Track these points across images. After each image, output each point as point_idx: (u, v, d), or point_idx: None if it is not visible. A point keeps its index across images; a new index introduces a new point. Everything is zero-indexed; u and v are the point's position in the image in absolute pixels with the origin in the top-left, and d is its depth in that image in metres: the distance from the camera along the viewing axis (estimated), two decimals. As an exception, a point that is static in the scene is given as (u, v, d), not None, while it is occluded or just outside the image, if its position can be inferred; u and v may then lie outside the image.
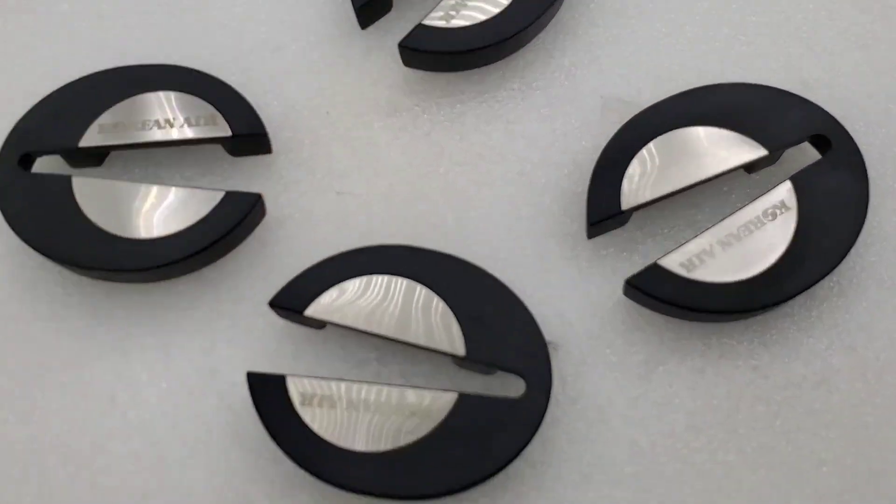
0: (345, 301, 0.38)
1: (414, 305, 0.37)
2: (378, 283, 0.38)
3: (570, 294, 0.40)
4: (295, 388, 0.36)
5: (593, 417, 0.38)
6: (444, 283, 0.38)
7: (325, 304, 0.38)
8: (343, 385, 0.36)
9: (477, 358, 0.37)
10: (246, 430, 0.38)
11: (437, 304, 0.37)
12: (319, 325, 0.39)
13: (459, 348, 0.37)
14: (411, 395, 0.36)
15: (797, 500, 0.37)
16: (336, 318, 0.37)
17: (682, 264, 0.38)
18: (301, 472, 0.37)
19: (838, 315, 0.39)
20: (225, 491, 0.37)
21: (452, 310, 0.37)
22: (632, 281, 0.38)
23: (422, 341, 0.37)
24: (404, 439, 0.35)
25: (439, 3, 0.43)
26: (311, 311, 0.38)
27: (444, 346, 0.37)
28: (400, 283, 0.38)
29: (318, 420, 0.36)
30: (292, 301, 0.38)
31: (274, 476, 0.37)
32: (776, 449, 0.37)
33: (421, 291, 0.38)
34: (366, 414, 0.36)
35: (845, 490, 0.37)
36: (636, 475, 0.37)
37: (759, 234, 0.38)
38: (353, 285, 0.38)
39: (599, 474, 0.37)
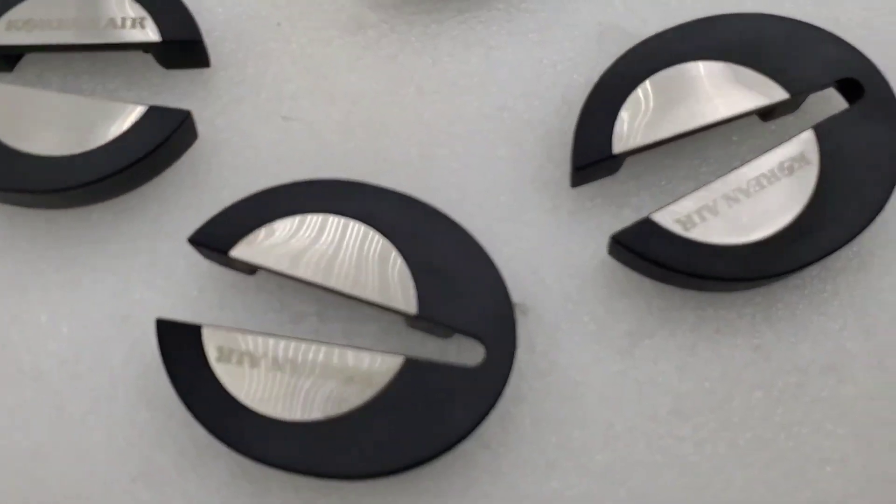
0: (279, 242, 0.32)
1: (362, 253, 0.32)
2: (320, 225, 0.32)
3: (546, 250, 0.35)
4: (211, 341, 0.31)
5: (564, 394, 0.33)
6: (398, 228, 0.32)
7: (256, 245, 0.32)
8: (269, 340, 0.31)
9: (430, 317, 0.31)
10: (157, 387, 0.32)
11: (390, 252, 0.32)
12: (250, 269, 0.33)
13: (411, 305, 0.31)
14: (349, 357, 0.30)
15: (794, 503, 0.31)
16: (267, 263, 0.32)
17: (678, 220, 0.32)
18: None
19: (857, 292, 0.34)
20: (128, 455, 0.32)
21: (406, 260, 0.32)
22: (618, 237, 0.32)
23: (367, 295, 0.31)
24: (337, 408, 0.30)
25: None
26: (238, 253, 0.32)
27: (394, 302, 0.31)
28: (347, 226, 0.32)
29: (236, 380, 0.30)
30: (216, 239, 0.32)
31: (185, 442, 0.32)
32: (774, 443, 0.32)
33: (371, 237, 0.32)
34: (293, 376, 0.30)
35: (850, 496, 0.31)
36: (609, 464, 0.32)
37: (772, 191, 0.33)
38: (290, 225, 0.32)
39: (566, 461, 0.32)
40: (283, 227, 0.32)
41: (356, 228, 0.32)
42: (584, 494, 0.31)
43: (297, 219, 0.32)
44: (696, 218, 0.32)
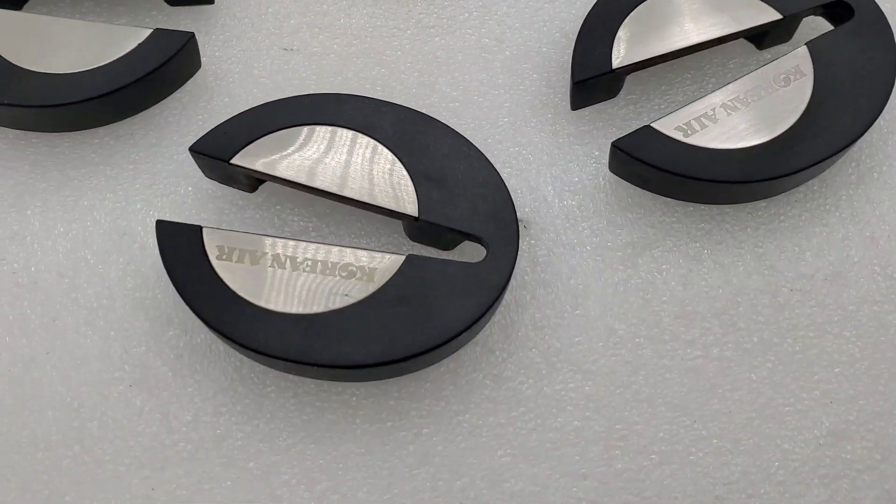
0: (280, 151, 0.32)
1: (362, 160, 0.32)
2: (317, 133, 0.32)
3: (547, 170, 0.35)
4: (211, 241, 0.30)
5: (566, 302, 0.32)
6: (397, 138, 0.32)
7: (255, 153, 0.32)
8: (270, 240, 0.30)
9: (431, 219, 0.31)
10: (154, 297, 0.32)
11: (388, 158, 0.32)
12: (250, 186, 0.33)
13: (411, 208, 0.31)
14: (351, 255, 0.30)
15: (803, 402, 0.31)
16: (266, 168, 0.32)
17: (678, 128, 0.32)
18: (213, 345, 0.31)
19: (857, 204, 0.34)
20: (124, 362, 0.31)
21: (406, 166, 0.32)
22: (619, 143, 0.32)
23: (366, 197, 0.31)
24: (339, 302, 0.29)
25: None
26: (238, 160, 0.32)
27: (394, 205, 0.31)
28: (344, 135, 0.32)
29: (236, 275, 0.30)
30: (217, 147, 0.32)
31: (182, 349, 0.31)
32: (781, 346, 0.31)
33: (369, 144, 0.32)
34: (294, 272, 0.30)
35: (859, 395, 0.31)
36: (612, 368, 0.31)
37: (770, 100, 0.33)
38: (289, 135, 0.32)
39: (568, 365, 0.31)
40: (283, 138, 0.32)
41: (356, 137, 0.32)
42: (587, 396, 0.31)
43: (296, 130, 0.32)
44: (695, 125, 0.32)
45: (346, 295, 0.30)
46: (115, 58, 0.34)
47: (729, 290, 0.32)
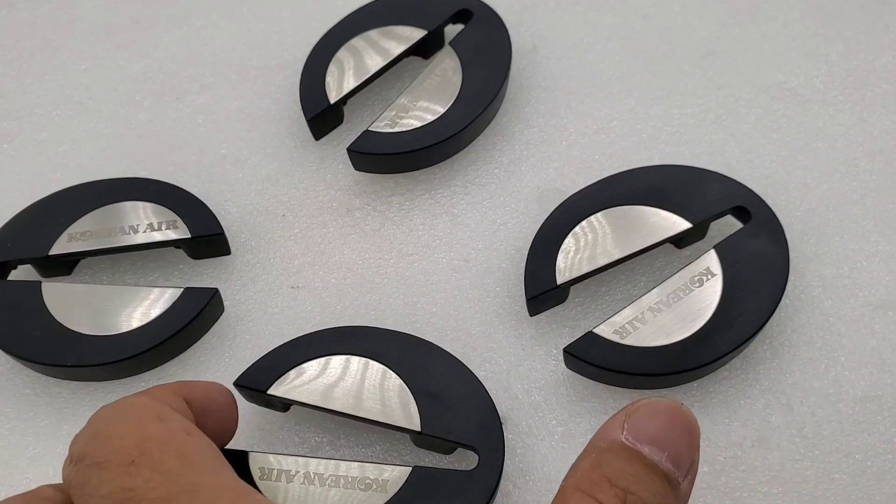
0: (304, 380, 0.39)
1: (371, 383, 0.39)
2: (336, 363, 0.40)
3: (515, 370, 0.42)
4: (255, 463, 0.37)
5: (542, 489, 0.39)
6: (399, 361, 0.40)
7: (287, 384, 0.39)
8: (301, 460, 0.37)
9: (433, 433, 0.38)
10: (205, 516, 0.39)
11: (394, 380, 0.39)
12: (283, 407, 0.41)
13: (415, 423, 0.38)
14: (367, 469, 0.37)
15: (745, 555, 0.37)
16: (297, 396, 0.39)
17: (615, 332, 0.40)
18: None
19: (773, 376, 0.41)
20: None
21: (409, 386, 0.39)
22: (569, 349, 0.40)
23: (378, 417, 0.38)
24: (358, 512, 0.36)
25: (384, 112, 0.47)
26: (273, 390, 0.39)
27: (401, 422, 0.38)
28: (357, 362, 0.40)
29: (275, 493, 0.37)
30: (256, 381, 0.39)
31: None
32: (721, 507, 0.38)
33: (378, 369, 0.40)
34: (322, 487, 0.37)
35: (790, 543, 0.37)
36: (587, 540, 0.38)
37: (688, 300, 0.41)
38: (312, 366, 0.40)
39: (551, 542, 0.38)
40: (307, 369, 0.40)
41: (366, 364, 0.40)
42: (568, 567, 0.37)
43: (317, 361, 0.40)
44: (629, 328, 0.40)
45: (365, 504, 0.36)
46: (154, 316, 0.42)
47: (675, 462, 0.39)
